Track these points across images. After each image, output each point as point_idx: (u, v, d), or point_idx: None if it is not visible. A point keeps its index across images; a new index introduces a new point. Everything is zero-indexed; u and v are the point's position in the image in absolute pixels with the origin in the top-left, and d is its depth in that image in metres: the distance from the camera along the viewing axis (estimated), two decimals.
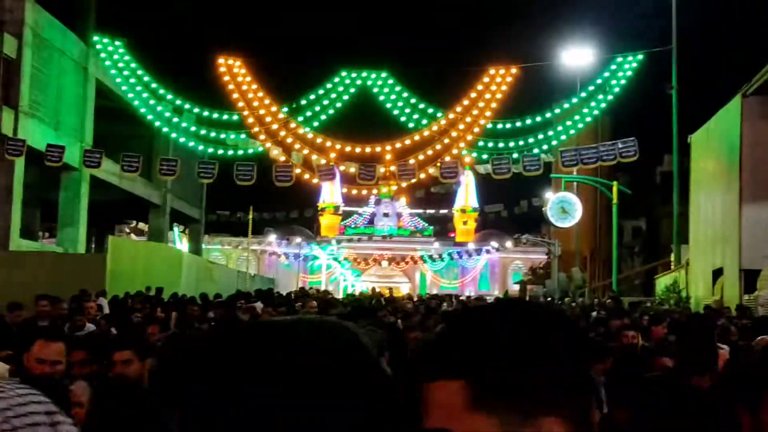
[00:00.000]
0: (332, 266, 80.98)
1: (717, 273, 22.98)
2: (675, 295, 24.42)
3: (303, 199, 74.05)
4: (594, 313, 17.95)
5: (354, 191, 32.80)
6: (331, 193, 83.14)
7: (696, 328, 10.20)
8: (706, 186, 25.08)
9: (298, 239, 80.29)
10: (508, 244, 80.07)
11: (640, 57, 29.82)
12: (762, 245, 20.71)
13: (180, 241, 62.54)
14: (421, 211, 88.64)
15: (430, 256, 76.03)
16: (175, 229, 58.53)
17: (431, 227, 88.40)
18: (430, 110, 30.43)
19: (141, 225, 61.39)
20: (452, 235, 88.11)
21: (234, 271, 46.25)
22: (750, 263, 20.73)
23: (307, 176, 29.37)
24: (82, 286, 18.55)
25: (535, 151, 27.34)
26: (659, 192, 57.02)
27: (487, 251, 76.76)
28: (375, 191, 39.68)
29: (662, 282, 28.18)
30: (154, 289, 22.54)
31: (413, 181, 28.48)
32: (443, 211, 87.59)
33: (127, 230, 73.67)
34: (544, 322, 1.09)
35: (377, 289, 40.41)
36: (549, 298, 34.66)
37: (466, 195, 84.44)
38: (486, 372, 1.03)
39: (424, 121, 30.10)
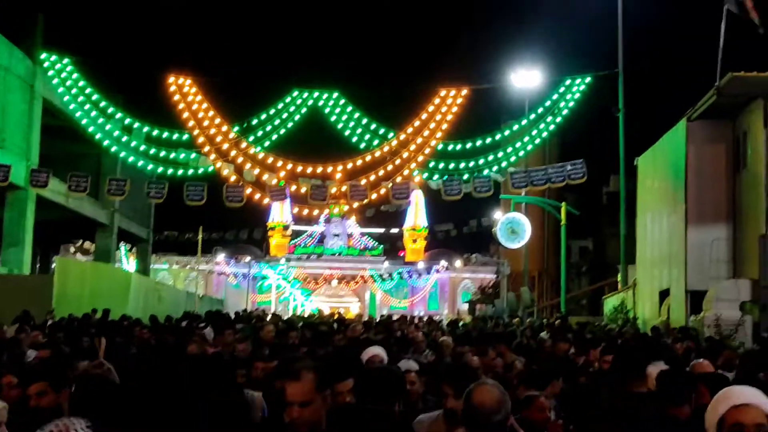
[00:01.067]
0: (282, 286, 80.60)
1: (664, 294, 23.33)
2: (623, 315, 24.72)
3: (253, 219, 73.68)
4: (543, 334, 18.13)
5: (305, 211, 32.64)
6: (281, 212, 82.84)
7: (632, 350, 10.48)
8: (652, 207, 25.50)
9: (248, 258, 79.81)
10: (458, 263, 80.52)
11: (588, 80, 30.25)
12: (707, 267, 21.11)
13: (127, 261, 61.76)
14: (371, 230, 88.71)
15: (380, 275, 76.25)
16: (122, 248, 57.79)
17: (381, 246, 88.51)
18: (382, 131, 30.46)
19: (87, 244, 60.50)
20: (402, 254, 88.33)
21: (183, 291, 45.74)
22: (696, 284, 21.11)
23: (258, 196, 29.18)
24: (28, 307, 18.23)
25: (486, 172, 27.52)
26: (606, 212, 57.78)
27: (437, 270, 77.20)
28: (326, 211, 39.58)
29: (610, 302, 28.51)
30: (100, 311, 22.21)
31: (365, 201, 28.49)
32: (393, 230, 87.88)
33: (73, 249, 72.50)
34: None
35: (327, 312, 40.24)
36: (498, 318, 34.83)
37: (416, 214, 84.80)
38: None
39: (376, 142, 30.11)
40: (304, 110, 30.66)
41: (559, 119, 30.07)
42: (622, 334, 17.53)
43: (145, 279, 34.95)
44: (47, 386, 5.01)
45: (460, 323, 33.56)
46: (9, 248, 32.38)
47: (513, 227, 32.87)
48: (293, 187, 29.26)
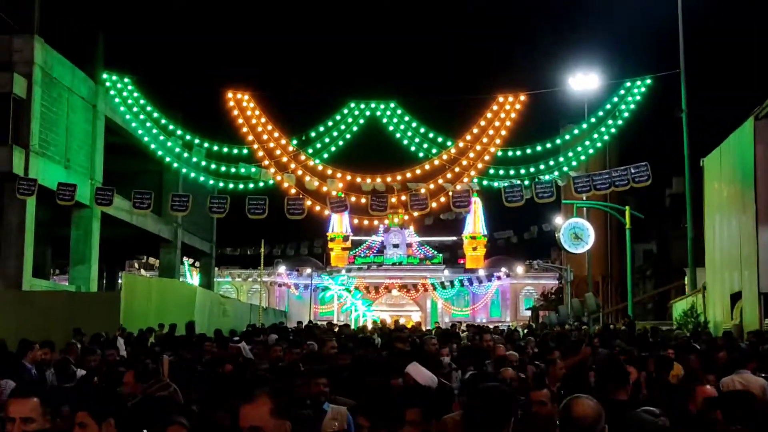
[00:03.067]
0: (343, 296, 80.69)
1: (735, 297, 22.65)
2: (693, 319, 24.07)
3: (313, 230, 74.02)
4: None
5: (366, 221, 32.52)
6: (339, 224, 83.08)
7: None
8: (720, 209, 24.81)
9: (308, 270, 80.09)
10: (519, 269, 79.75)
11: (649, 81, 29.66)
12: None
13: (190, 275, 62.40)
14: (430, 239, 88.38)
15: (441, 283, 75.70)
16: (186, 262, 58.40)
17: (440, 255, 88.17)
18: (440, 139, 30.22)
19: (151, 260, 61.31)
20: (462, 261, 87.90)
21: (246, 304, 45.97)
22: None
23: (318, 208, 29.12)
24: (96, 325, 18.39)
25: (547, 177, 27.08)
26: (669, 215, 56.74)
27: (498, 277, 76.47)
28: (385, 221, 39.47)
29: (679, 306, 27.82)
30: (167, 326, 22.33)
31: (425, 210, 28.21)
32: (452, 239, 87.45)
33: (137, 265, 73.61)
34: None
35: (388, 321, 40.04)
36: (563, 324, 34.29)
37: (475, 221, 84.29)
38: None
39: (434, 150, 29.90)
40: (361, 121, 30.56)
41: (619, 122, 29.53)
42: (696, 338, 17.00)
43: (209, 293, 35.17)
44: (88, 416, 4.57)
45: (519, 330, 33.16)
46: (76, 266, 32.89)
47: (576, 232, 32.31)
48: (353, 198, 29.13)
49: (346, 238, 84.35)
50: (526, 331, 32.63)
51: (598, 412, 4.01)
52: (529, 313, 64.71)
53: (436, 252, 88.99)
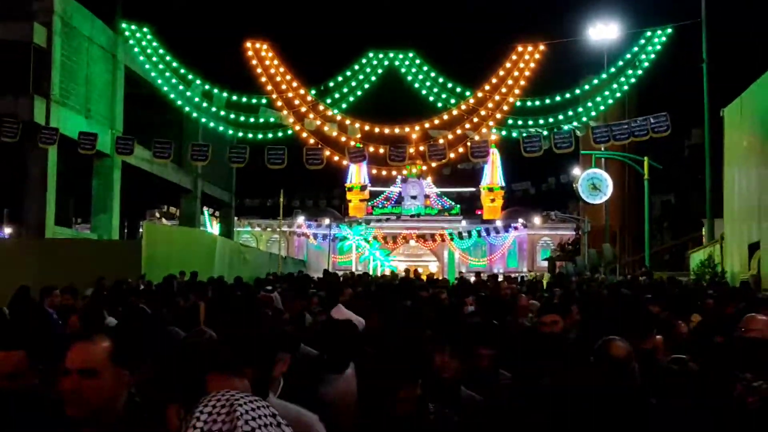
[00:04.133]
0: (361, 246, 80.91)
1: (753, 247, 22.51)
2: (710, 270, 23.99)
3: (332, 181, 74.00)
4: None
5: (384, 172, 32.52)
6: (357, 174, 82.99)
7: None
8: (740, 159, 24.56)
9: (327, 220, 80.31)
10: (536, 220, 79.59)
11: (669, 31, 29.30)
12: None
13: (210, 225, 62.72)
14: (447, 189, 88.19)
15: (458, 234, 75.58)
16: (206, 212, 58.66)
17: (458, 206, 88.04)
18: (459, 89, 30.12)
19: (172, 209, 61.60)
20: (479, 212, 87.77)
21: (266, 253, 46.23)
22: None
23: (336, 158, 29.14)
24: (118, 273, 18.52)
25: (566, 128, 26.91)
26: (688, 166, 56.31)
27: (515, 228, 76.25)
28: (404, 171, 39.43)
29: (696, 257, 27.72)
30: (188, 274, 22.49)
31: (443, 161, 28.15)
32: (470, 190, 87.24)
33: (158, 215, 74.03)
34: None
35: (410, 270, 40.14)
36: (580, 275, 34.31)
37: (493, 172, 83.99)
38: None
39: (453, 101, 29.78)
40: (379, 71, 30.45)
41: (639, 72, 29.28)
42: (719, 286, 16.98)
43: (229, 242, 35.37)
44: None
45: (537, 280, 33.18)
46: (98, 215, 33.11)
47: (595, 183, 32.14)
48: (371, 148, 29.09)
49: (364, 188, 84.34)
50: (547, 280, 32.67)
51: (629, 351, 4.54)
52: (545, 263, 64.72)
53: (453, 203, 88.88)
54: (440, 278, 31.62)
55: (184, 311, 9.60)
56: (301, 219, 79.34)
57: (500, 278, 24.05)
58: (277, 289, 15.38)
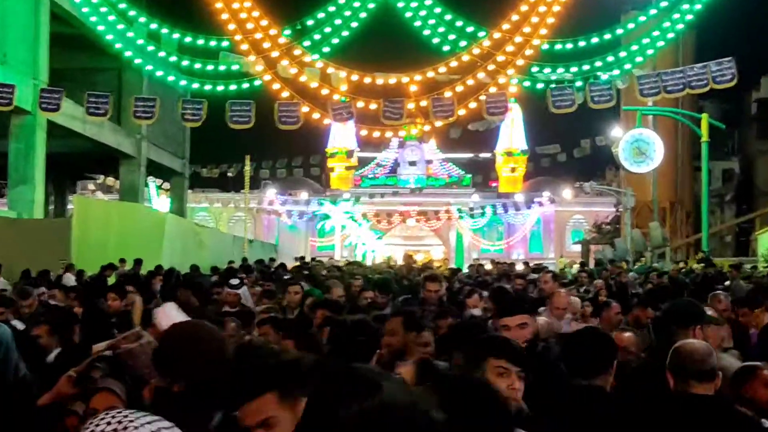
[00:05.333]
0: (347, 227, 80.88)
1: None
2: None
3: (309, 144, 73.78)
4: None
5: (376, 133, 32.41)
6: (343, 135, 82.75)
7: None
8: None
9: (304, 194, 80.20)
10: (566, 194, 79.65)
11: None
12: None
13: (158, 199, 62.59)
14: (455, 155, 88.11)
15: (471, 209, 75.56)
16: (152, 184, 58.53)
17: (469, 176, 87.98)
18: (470, 29, 29.92)
19: (109, 180, 61.42)
20: (495, 184, 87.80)
21: (228, 235, 46.17)
22: None
23: (316, 116, 29.02)
24: (41, 258, 18.47)
25: (605, 77, 26.84)
26: (755, 125, 56.35)
27: (540, 203, 76.27)
28: (401, 132, 39.35)
29: (765, 240, 27.82)
30: (130, 262, 22.46)
31: (450, 118, 28.06)
32: (484, 155, 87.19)
33: (93, 187, 73.84)
34: None
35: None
36: (619, 261, 34.34)
37: (513, 134, 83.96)
38: None
39: (463, 43, 29.61)
40: (371, 6, 30.23)
41: (697, 7, 29.10)
42: None
43: (182, 221, 35.32)
44: None
45: (567, 270, 33.23)
46: (16, 187, 32.88)
47: (640, 147, 32.11)
48: (360, 104, 28.99)
49: (350, 154, 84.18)
50: (575, 268, 32.75)
51: (708, 347, 5.15)
52: (578, 247, 64.93)
53: (463, 172, 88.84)
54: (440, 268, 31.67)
55: (121, 313, 9.58)
56: (271, 193, 79.24)
57: (519, 267, 24.12)
58: (245, 281, 15.33)
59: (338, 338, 5.85)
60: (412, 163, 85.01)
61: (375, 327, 5.99)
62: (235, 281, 12.60)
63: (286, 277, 18.02)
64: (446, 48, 29.71)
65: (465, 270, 28.88)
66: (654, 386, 5.22)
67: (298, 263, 30.67)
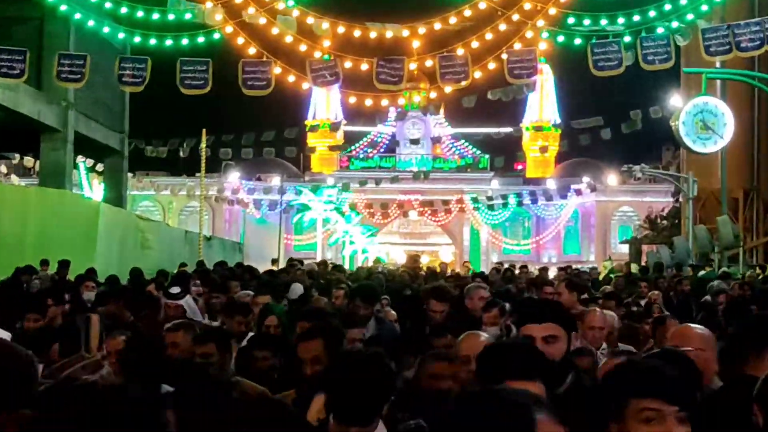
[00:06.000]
0: (331, 221, 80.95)
1: None
2: None
3: (283, 115, 73.74)
4: None
5: (368, 101, 32.46)
6: (326, 105, 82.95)
7: None
8: None
9: (277, 179, 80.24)
10: (611, 180, 79.87)
11: None
12: None
13: (89, 185, 62.56)
14: (470, 130, 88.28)
15: (489, 199, 75.49)
16: (81, 164, 58.46)
17: (486, 156, 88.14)
18: None
19: (27, 159, 61.39)
20: (520, 167, 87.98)
21: (179, 231, 46.21)
22: None
23: (292, 79, 29.08)
24: None
25: (660, 31, 26.91)
26: None
27: (578, 192, 76.32)
28: (401, 101, 39.32)
29: None
30: (54, 264, 22.45)
31: (463, 83, 28.10)
32: (506, 130, 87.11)
33: (5, 169, 73.85)
34: None
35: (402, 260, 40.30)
36: (681, 267, 34.44)
37: (542, 103, 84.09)
38: None
39: None
40: None
41: None
42: None
43: (120, 212, 35.32)
44: None
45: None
46: None
47: (705, 119, 32.10)
48: (347, 64, 29.05)
49: (335, 128, 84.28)
50: (615, 273, 32.77)
51: None
52: (625, 248, 64.88)
53: (479, 152, 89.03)
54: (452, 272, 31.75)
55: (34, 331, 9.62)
56: (234, 177, 79.34)
57: (552, 273, 24.14)
58: (192, 289, 15.35)
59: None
60: (415, 141, 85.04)
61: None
62: (175, 290, 12.58)
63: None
64: None
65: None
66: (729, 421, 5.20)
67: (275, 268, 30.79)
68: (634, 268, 37.90)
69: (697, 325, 7.64)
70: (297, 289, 17.59)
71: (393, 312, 13.86)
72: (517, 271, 28.82)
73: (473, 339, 7.06)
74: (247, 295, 14.22)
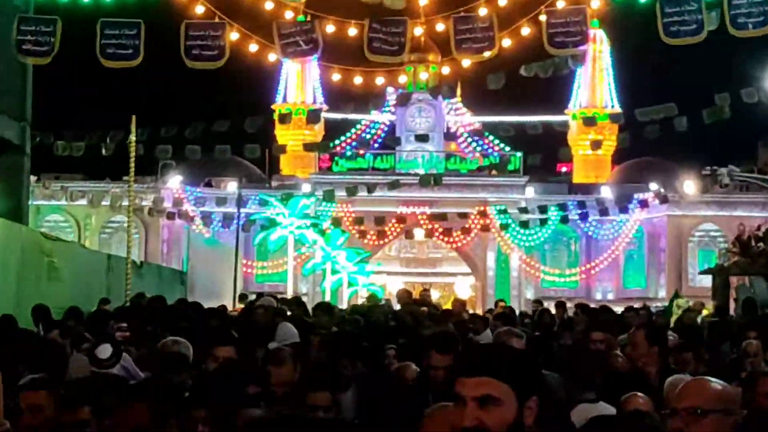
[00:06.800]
0: (310, 241, 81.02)
1: None
2: None
3: (241, 100, 73.81)
4: None
5: (357, 78, 32.53)
6: (301, 85, 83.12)
7: None
8: None
9: (233, 185, 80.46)
10: (688, 187, 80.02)
11: None
12: None
13: None
14: (496, 118, 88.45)
15: (522, 211, 75.27)
16: None
17: (519, 155, 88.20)
18: None
19: None
20: (565, 169, 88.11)
21: (100, 255, 46.23)
22: None
23: (254, 48, 29.17)
24: None
25: None
26: None
27: (643, 204, 76.35)
28: (403, 78, 39.42)
29: None
30: None
31: (487, 54, 28.15)
32: (545, 119, 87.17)
33: None
34: None
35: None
36: None
37: (595, 83, 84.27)
38: None
39: None
40: None
41: None
42: None
43: (18, 229, 35.29)
44: None
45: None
46: None
47: None
48: (330, 27, 29.14)
49: (313, 116, 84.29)
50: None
51: None
52: (707, 280, 64.88)
53: (509, 149, 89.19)
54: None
55: None
56: (176, 183, 79.50)
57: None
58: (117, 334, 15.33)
59: None
60: (422, 137, 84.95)
61: None
62: (104, 352, 12.27)
63: None
64: None
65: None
66: None
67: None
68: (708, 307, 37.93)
69: None
70: (288, 332, 17.39)
71: (413, 367, 12.83)
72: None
73: (442, 416, 6.78)
74: (175, 344, 13.92)
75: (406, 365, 12.30)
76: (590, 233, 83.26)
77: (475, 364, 5.68)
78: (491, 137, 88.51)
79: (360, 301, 55.12)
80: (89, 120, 60.81)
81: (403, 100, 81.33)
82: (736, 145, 71.98)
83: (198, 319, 21.21)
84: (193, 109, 62.03)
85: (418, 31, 28.84)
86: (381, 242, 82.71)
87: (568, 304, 36.19)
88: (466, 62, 30.25)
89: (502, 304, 35.50)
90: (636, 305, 40.77)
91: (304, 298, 52.28)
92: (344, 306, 49.72)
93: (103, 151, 58.02)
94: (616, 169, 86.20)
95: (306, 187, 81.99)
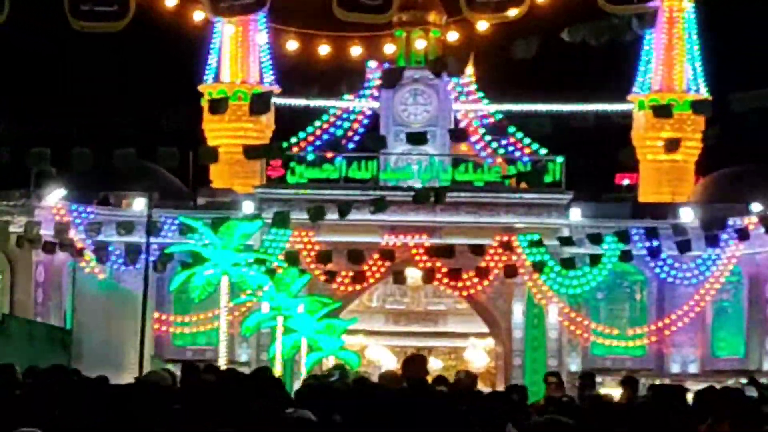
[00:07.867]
0: (252, 286, 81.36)
1: None
2: None
3: (153, 82, 74.27)
4: None
5: (322, 48, 32.88)
6: (239, 56, 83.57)
7: None
8: None
9: (140, 203, 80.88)
10: None
11: None
12: None
13: None
14: (524, 107, 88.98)
15: (564, 241, 75.36)
16: None
17: (560, 160, 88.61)
18: None
19: None
20: (627, 182, 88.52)
21: None
22: None
23: (172, 2, 29.51)
24: None
25: None
26: None
27: (740, 233, 76.77)
28: (390, 48, 39.82)
29: None
30: None
31: (512, 14, 28.48)
32: (598, 107, 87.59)
33: None
34: None
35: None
36: None
37: (671, 56, 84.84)
38: None
39: None
40: None
41: None
42: None
43: None
44: None
45: None
46: None
47: None
48: None
49: (259, 105, 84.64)
50: None
51: None
52: None
53: (545, 151, 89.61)
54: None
55: None
56: (56, 197, 79.92)
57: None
58: None
59: None
60: (416, 135, 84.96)
61: None
62: None
63: None
64: None
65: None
66: None
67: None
68: None
69: None
70: None
71: None
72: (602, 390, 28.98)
73: None
74: None
75: None
76: (664, 276, 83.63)
77: None
78: (519, 134, 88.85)
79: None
80: None
81: (391, 80, 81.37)
82: None
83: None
84: (83, 93, 62.32)
85: None
86: (358, 288, 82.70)
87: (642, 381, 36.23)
88: (483, 25, 30.60)
89: (553, 379, 34.22)
90: (730, 382, 40.93)
91: (244, 370, 52.27)
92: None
93: None
94: (702, 182, 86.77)
95: (248, 207, 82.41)
